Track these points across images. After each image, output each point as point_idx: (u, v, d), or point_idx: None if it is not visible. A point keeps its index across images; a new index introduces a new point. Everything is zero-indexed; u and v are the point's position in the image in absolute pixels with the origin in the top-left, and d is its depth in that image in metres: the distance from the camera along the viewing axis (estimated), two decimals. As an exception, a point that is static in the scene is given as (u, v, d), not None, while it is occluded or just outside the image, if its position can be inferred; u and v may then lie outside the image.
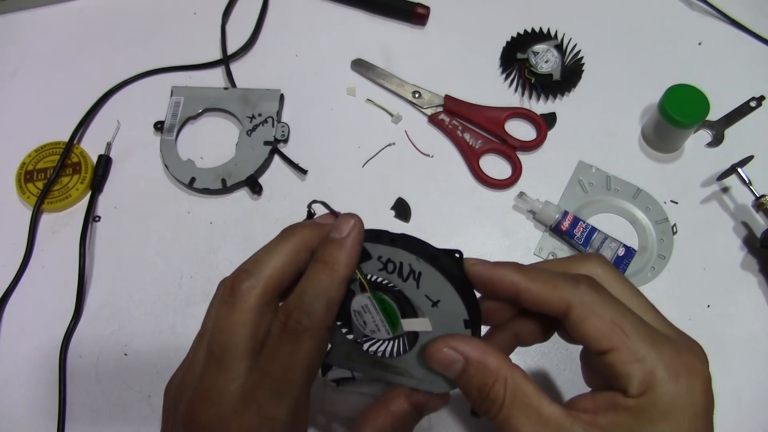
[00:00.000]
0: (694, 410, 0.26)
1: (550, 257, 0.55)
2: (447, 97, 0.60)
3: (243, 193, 0.58)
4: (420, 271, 0.29)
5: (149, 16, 0.67)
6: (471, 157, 0.58)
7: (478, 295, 0.31)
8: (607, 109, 0.61)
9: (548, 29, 0.63)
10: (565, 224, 0.54)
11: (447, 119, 0.60)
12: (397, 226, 0.56)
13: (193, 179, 0.57)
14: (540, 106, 0.61)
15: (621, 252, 0.53)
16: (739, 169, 0.53)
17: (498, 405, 0.28)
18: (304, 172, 0.58)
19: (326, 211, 0.33)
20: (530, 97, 0.61)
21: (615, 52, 0.63)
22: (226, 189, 0.57)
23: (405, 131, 0.60)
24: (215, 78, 0.63)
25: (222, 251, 0.56)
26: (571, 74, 0.61)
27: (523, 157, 0.58)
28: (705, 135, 0.60)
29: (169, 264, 0.55)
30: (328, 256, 0.29)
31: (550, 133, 0.59)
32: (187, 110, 0.60)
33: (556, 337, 0.33)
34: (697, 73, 0.60)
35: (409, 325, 0.31)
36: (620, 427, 0.26)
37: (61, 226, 0.57)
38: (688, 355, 0.27)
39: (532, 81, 0.61)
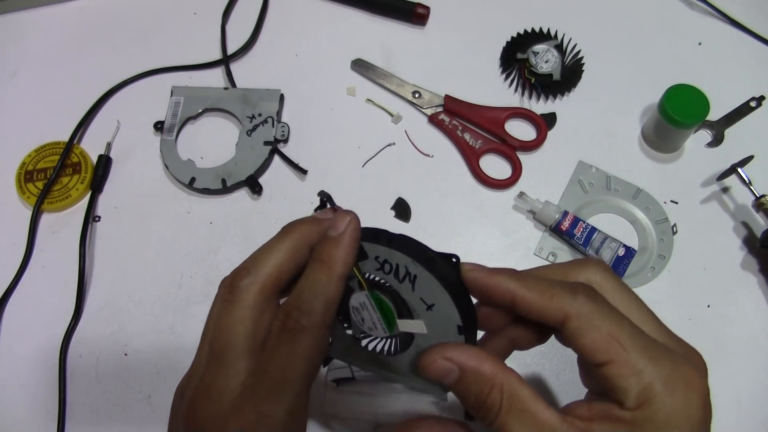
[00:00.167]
0: (691, 424, 0.26)
1: (550, 257, 0.55)
2: (447, 97, 0.60)
3: (243, 193, 0.58)
4: (415, 274, 0.29)
5: (149, 16, 0.67)
6: (471, 157, 0.58)
7: (475, 300, 0.31)
8: (607, 109, 0.61)
9: (548, 29, 0.63)
10: (565, 224, 0.54)
11: (447, 119, 0.60)
12: (397, 226, 0.56)
13: (193, 179, 0.57)
14: (540, 106, 0.61)
15: (621, 252, 0.53)
16: (739, 169, 0.53)
17: (495, 412, 0.28)
18: (304, 172, 0.58)
19: (329, 206, 0.33)
20: (530, 97, 0.61)
21: (615, 52, 0.63)
22: (226, 189, 0.57)
23: (405, 131, 0.60)
24: (215, 78, 0.63)
25: (222, 251, 0.56)
26: (571, 74, 0.61)
27: (523, 157, 0.58)
28: (705, 135, 0.60)
29: (169, 264, 0.55)
30: (325, 255, 0.29)
31: (550, 133, 0.59)
32: (187, 110, 0.60)
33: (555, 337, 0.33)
34: (697, 73, 0.60)
35: (404, 325, 0.31)
36: None
37: (61, 226, 0.57)
38: (686, 367, 0.27)
39: (532, 81, 0.61)
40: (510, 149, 0.58)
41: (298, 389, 0.29)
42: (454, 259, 0.30)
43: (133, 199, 0.58)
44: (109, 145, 0.60)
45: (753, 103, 0.60)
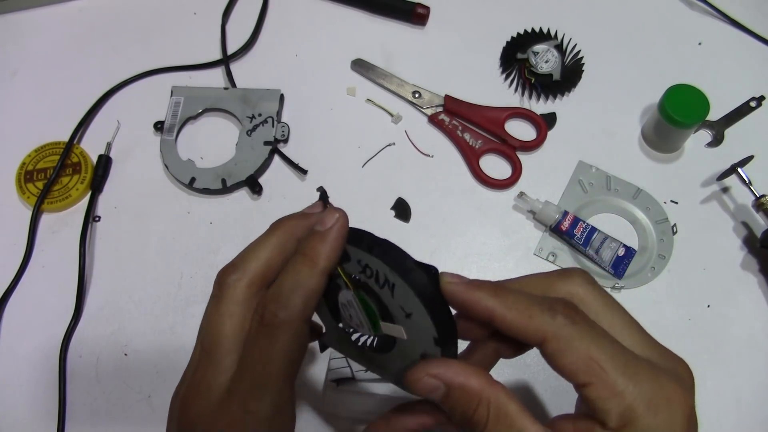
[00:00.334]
0: None
1: (550, 257, 0.55)
2: (447, 97, 0.60)
3: (243, 193, 0.58)
4: (394, 282, 0.29)
5: (149, 16, 0.67)
6: (471, 157, 0.58)
7: (455, 311, 0.31)
8: (607, 109, 0.61)
9: (548, 29, 0.63)
10: (565, 224, 0.54)
11: (447, 119, 0.60)
12: (397, 226, 0.56)
13: (193, 179, 0.57)
14: (540, 106, 0.61)
15: (621, 252, 0.53)
16: (739, 169, 0.53)
17: (481, 427, 0.27)
18: (304, 172, 0.58)
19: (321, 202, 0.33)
20: (530, 97, 0.61)
21: (615, 52, 0.63)
22: (226, 189, 0.57)
23: (405, 131, 0.60)
24: (215, 78, 0.63)
25: (222, 251, 0.56)
26: (571, 74, 0.61)
27: (523, 157, 0.58)
28: (705, 135, 0.60)
29: (169, 264, 0.55)
30: (309, 249, 0.29)
31: (550, 133, 0.59)
32: (187, 110, 0.60)
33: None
34: (697, 73, 0.60)
35: (387, 328, 0.31)
36: None
37: (61, 226, 0.57)
38: (669, 383, 0.27)
39: (532, 81, 0.61)
40: (510, 149, 0.58)
41: (281, 383, 0.28)
42: (433, 271, 0.29)
43: (133, 199, 0.58)
44: (109, 145, 0.60)
45: (753, 103, 0.60)
